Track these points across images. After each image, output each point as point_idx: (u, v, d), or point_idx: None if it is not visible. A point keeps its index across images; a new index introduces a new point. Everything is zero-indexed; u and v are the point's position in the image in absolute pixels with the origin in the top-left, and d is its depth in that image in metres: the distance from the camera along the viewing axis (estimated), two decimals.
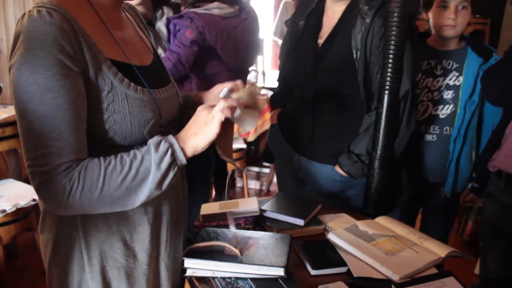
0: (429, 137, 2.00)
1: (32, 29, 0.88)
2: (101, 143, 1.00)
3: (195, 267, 1.11)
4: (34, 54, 0.87)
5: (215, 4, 2.00)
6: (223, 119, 0.99)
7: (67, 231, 1.05)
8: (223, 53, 2.01)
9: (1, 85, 2.81)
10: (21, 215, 2.48)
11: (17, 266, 2.86)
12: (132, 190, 0.95)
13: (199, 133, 1.00)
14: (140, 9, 1.93)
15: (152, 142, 0.98)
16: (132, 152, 0.97)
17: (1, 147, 2.56)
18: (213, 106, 1.01)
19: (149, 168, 0.95)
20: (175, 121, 1.20)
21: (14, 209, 2.40)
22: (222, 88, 1.18)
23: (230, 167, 3.65)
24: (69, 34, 0.91)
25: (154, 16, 2.06)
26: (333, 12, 1.75)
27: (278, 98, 2.02)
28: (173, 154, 0.98)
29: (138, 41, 1.18)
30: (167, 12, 2.07)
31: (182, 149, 1.00)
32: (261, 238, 1.21)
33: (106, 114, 0.97)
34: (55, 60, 0.88)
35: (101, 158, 0.95)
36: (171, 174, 0.98)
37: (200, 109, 1.02)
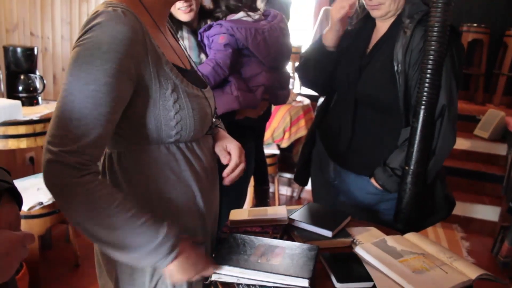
0: None
1: (106, 24, 0.93)
2: (167, 139, 1.07)
3: (220, 272, 1.12)
4: (98, 47, 0.92)
5: (241, 13, 2.06)
6: None
7: None
8: (255, 48, 2.05)
9: (45, 81, 2.91)
10: (57, 208, 2.56)
11: (51, 257, 2.95)
12: (110, 232, 0.96)
13: (183, 271, 1.05)
14: (187, 18, 1.99)
15: (168, 243, 1.00)
16: (147, 222, 0.98)
17: (42, 142, 2.64)
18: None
19: (137, 248, 0.98)
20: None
21: (50, 202, 2.48)
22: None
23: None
24: (139, 36, 0.97)
25: (199, 26, 2.11)
26: (380, 25, 1.76)
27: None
28: (163, 258, 1.00)
29: (179, 48, 1.24)
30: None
31: (174, 263, 1.02)
32: (288, 247, 1.21)
33: (173, 111, 1.04)
34: (114, 58, 0.93)
35: (124, 201, 0.97)
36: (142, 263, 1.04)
37: (201, 263, 1.09)
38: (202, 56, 2.09)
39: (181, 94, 1.06)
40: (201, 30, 2.05)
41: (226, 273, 1.12)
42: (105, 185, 0.96)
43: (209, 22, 2.10)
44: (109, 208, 0.94)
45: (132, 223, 0.96)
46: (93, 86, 0.92)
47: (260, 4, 2.17)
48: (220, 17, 2.06)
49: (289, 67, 5.09)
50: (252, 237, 1.26)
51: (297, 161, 2.20)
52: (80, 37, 0.95)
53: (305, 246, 1.22)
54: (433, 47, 1.44)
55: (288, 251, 1.18)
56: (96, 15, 0.95)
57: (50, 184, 0.93)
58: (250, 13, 2.09)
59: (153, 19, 1.09)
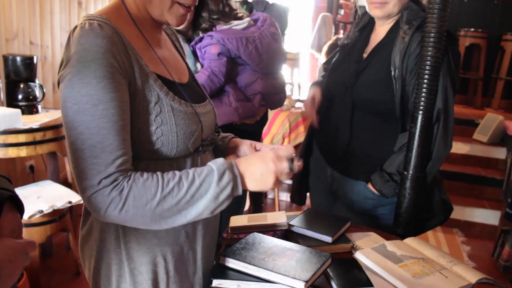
0: None
1: (84, 41, 0.92)
2: (148, 155, 1.02)
3: (226, 264, 1.14)
4: (87, 66, 0.90)
5: (229, 24, 2.07)
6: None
7: (110, 247, 1.08)
8: (247, 57, 2.06)
9: (45, 90, 2.92)
10: (57, 216, 2.56)
11: (51, 265, 2.95)
12: (182, 212, 0.97)
13: (259, 181, 1.03)
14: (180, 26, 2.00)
15: (216, 169, 0.98)
16: (191, 174, 0.98)
17: (42, 150, 2.65)
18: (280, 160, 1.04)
19: (205, 196, 0.97)
20: (213, 137, 1.22)
21: (50, 210, 2.48)
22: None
23: None
24: (119, 47, 0.95)
25: (193, 36, 2.13)
26: (379, 30, 1.77)
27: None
28: (233, 189, 1.00)
29: (176, 60, 1.21)
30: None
31: (243, 184, 1.02)
32: (300, 251, 1.21)
33: (154, 125, 1.00)
34: (106, 72, 0.91)
35: (159, 177, 0.95)
36: (225, 204, 1.01)
37: (269, 158, 1.03)
38: (198, 65, 2.10)
39: (164, 108, 1.01)
40: (193, 43, 2.06)
41: (231, 266, 1.13)
42: (140, 181, 0.94)
43: (200, 34, 2.11)
44: (163, 191, 0.94)
45: (187, 183, 0.96)
46: (102, 106, 0.91)
47: (235, 5, 2.17)
48: (208, 27, 2.07)
49: (286, 74, 5.10)
50: (270, 238, 1.27)
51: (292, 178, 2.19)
52: (62, 61, 0.95)
53: (317, 252, 1.21)
54: (429, 52, 1.45)
55: (298, 255, 1.18)
56: (73, 34, 0.94)
57: (106, 215, 0.93)
58: (236, 22, 2.09)
59: (140, 30, 1.06)
